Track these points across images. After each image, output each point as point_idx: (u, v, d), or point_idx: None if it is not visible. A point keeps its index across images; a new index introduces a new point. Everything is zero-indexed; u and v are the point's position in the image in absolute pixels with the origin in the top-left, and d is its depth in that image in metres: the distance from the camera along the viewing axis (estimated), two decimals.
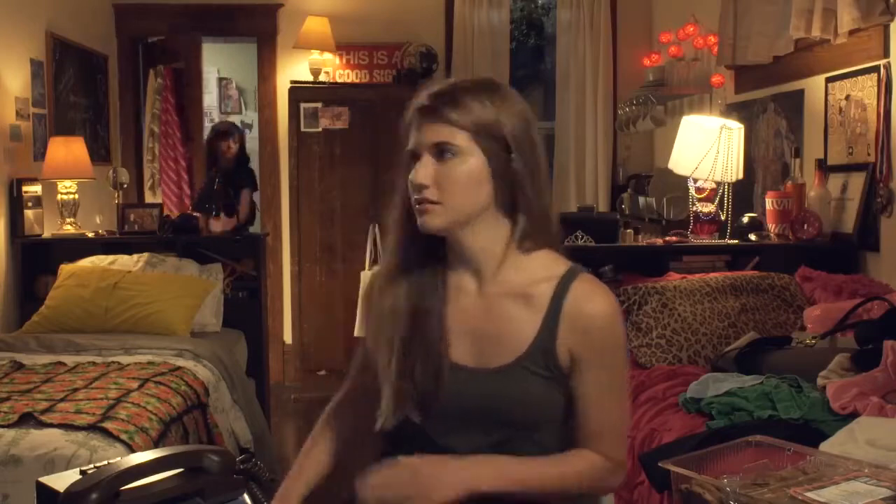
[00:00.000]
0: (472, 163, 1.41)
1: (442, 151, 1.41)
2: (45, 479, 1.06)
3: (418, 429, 1.47)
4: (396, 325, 1.48)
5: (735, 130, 3.49)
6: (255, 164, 7.35)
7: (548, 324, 1.44)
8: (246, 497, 1.12)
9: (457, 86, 1.45)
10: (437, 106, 1.42)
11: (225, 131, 4.71)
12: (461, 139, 1.41)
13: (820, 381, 2.32)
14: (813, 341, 2.66)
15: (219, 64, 7.83)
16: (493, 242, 1.46)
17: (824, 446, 1.85)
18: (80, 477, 1.04)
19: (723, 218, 3.54)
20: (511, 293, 1.46)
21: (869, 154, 3.26)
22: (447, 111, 1.41)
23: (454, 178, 1.41)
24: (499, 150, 1.42)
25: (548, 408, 1.47)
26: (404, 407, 1.46)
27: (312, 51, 5.56)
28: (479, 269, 1.48)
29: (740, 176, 3.54)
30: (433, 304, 1.48)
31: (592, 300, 1.44)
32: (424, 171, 1.42)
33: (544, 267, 1.47)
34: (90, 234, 4.61)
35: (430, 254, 1.50)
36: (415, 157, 1.44)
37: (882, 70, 3.16)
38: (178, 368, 3.39)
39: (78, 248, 4.45)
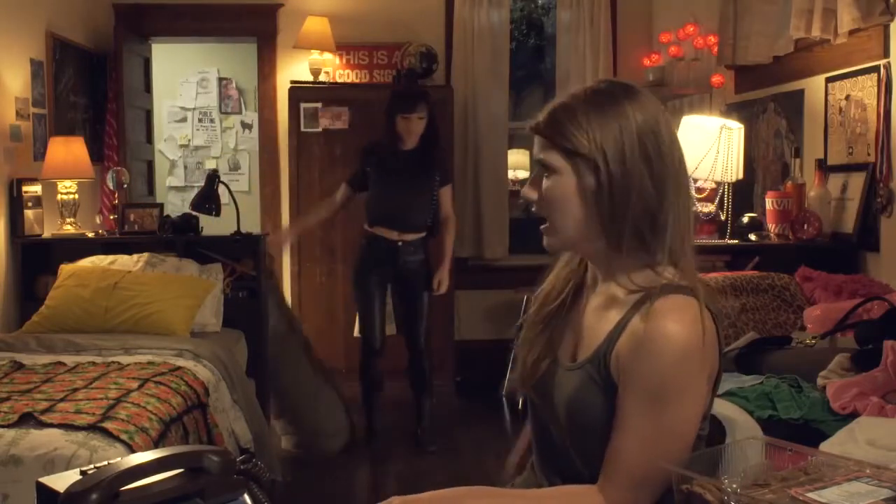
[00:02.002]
0: (564, 182, 1.39)
1: (544, 168, 1.42)
2: (45, 480, 1.06)
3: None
4: (542, 313, 1.53)
5: (735, 130, 3.49)
6: (254, 165, 7.40)
7: (614, 333, 1.38)
8: (246, 497, 1.11)
9: (570, 105, 1.41)
10: (547, 125, 1.42)
11: (409, 97, 4.36)
12: (555, 158, 1.40)
13: (820, 381, 2.32)
14: (813, 341, 2.66)
15: (219, 64, 7.83)
16: (602, 257, 1.43)
17: (824, 446, 1.86)
18: (80, 477, 1.04)
19: (723, 218, 3.55)
20: (608, 301, 1.43)
21: (869, 154, 3.26)
22: (544, 127, 1.42)
23: (551, 196, 1.41)
24: (593, 168, 1.36)
25: (600, 418, 1.38)
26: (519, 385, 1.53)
27: (312, 51, 5.56)
28: (595, 278, 1.49)
29: (740, 176, 3.54)
30: (570, 296, 1.52)
31: (662, 319, 1.31)
32: (530, 186, 1.45)
33: (647, 279, 1.38)
34: (90, 234, 4.61)
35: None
36: (541, 170, 1.45)
37: (882, 70, 3.16)
38: (178, 368, 3.39)
39: (78, 248, 4.45)
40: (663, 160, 1.37)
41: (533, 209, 1.44)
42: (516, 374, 1.55)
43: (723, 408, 1.85)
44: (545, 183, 1.41)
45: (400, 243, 4.35)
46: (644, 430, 1.33)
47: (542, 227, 1.45)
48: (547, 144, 1.41)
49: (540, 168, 1.43)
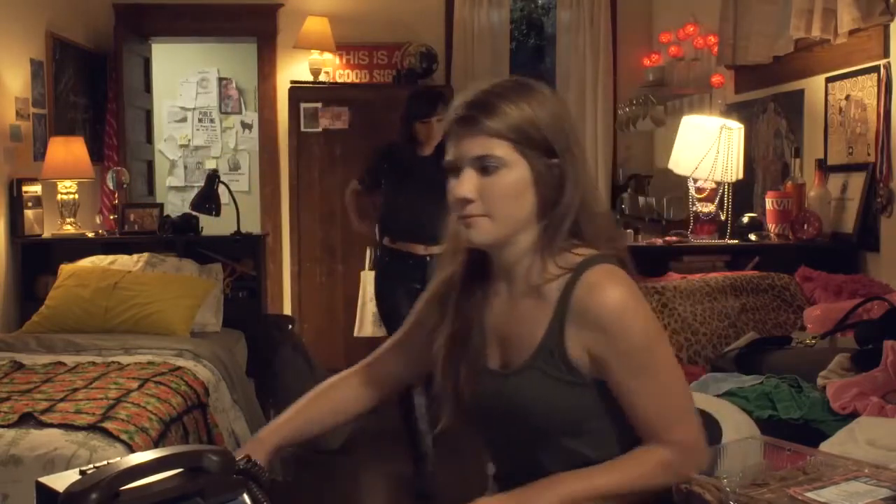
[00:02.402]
0: (516, 174, 1.38)
1: (484, 165, 1.37)
2: (45, 479, 1.06)
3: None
4: (444, 337, 1.49)
5: (735, 130, 3.49)
6: (254, 165, 7.40)
7: (555, 322, 1.39)
8: (246, 497, 1.12)
9: (491, 92, 1.40)
10: (475, 115, 1.38)
11: (428, 100, 4.01)
12: (503, 150, 1.37)
13: (820, 381, 2.32)
14: (813, 341, 2.66)
15: (219, 64, 7.83)
16: (530, 247, 1.42)
17: (824, 446, 1.85)
18: (80, 477, 1.04)
19: (723, 218, 3.55)
20: (528, 292, 1.43)
21: (869, 154, 3.26)
22: (485, 121, 1.37)
23: (500, 192, 1.37)
24: (541, 155, 1.38)
25: (570, 413, 1.40)
26: (451, 412, 1.49)
27: (312, 51, 5.56)
28: (511, 272, 1.45)
29: (740, 176, 3.54)
30: (475, 314, 1.48)
31: (600, 292, 1.36)
32: (468, 184, 1.38)
33: (563, 260, 1.40)
34: (90, 234, 4.61)
35: (476, 263, 1.49)
36: (455, 170, 1.40)
37: (882, 70, 3.16)
38: (178, 368, 3.39)
39: (78, 248, 4.45)
40: (580, 143, 1.45)
41: (465, 211, 1.38)
42: (448, 402, 1.50)
43: (720, 406, 1.85)
44: (489, 178, 1.37)
45: (428, 258, 3.86)
46: (653, 386, 1.38)
47: (467, 221, 1.39)
48: (490, 138, 1.37)
49: (472, 165, 1.38)
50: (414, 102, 4.02)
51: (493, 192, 1.37)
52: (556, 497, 1.34)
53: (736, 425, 1.77)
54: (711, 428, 1.61)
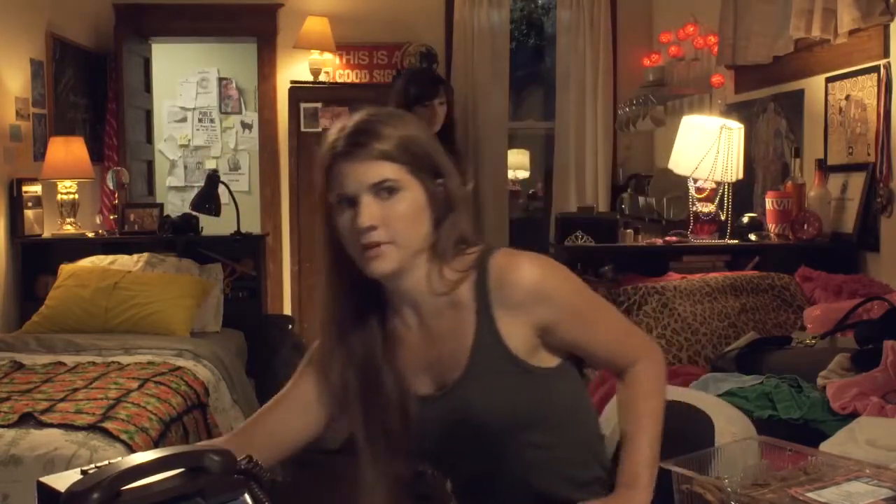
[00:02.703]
0: (412, 195, 1.37)
1: (381, 190, 1.35)
2: (45, 479, 1.06)
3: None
4: (352, 392, 1.44)
5: (735, 130, 3.49)
6: (254, 165, 7.40)
7: (482, 321, 1.40)
8: (247, 497, 1.12)
9: (368, 120, 1.40)
10: (361, 142, 1.36)
11: (426, 82, 3.75)
12: (397, 173, 1.36)
13: (820, 381, 2.32)
14: (813, 341, 2.66)
15: (219, 64, 7.83)
16: (425, 267, 1.41)
17: (824, 446, 1.86)
18: (81, 477, 1.04)
19: (723, 218, 3.54)
20: (440, 309, 1.42)
21: (869, 154, 3.26)
22: (374, 144, 1.36)
23: (402, 215, 1.36)
24: (430, 176, 1.40)
25: (524, 406, 1.42)
26: (385, 453, 1.45)
27: (312, 51, 5.56)
28: (415, 297, 1.43)
29: (740, 176, 3.54)
30: (381, 356, 1.44)
31: (515, 269, 1.39)
32: (369, 212, 1.34)
33: (460, 264, 1.41)
34: (90, 234, 4.61)
35: (368, 302, 1.44)
36: (351, 202, 1.36)
37: (882, 70, 3.16)
38: (178, 368, 3.39)
39: (78, 248, 4.45)
40: (444, 155, 1.46)
41: (371, 239, 1.35)
42: (377, 445, 1.45)
43: (712, 403, 1.84)
44: (389, 202, 1.35)
45: None
46: (605, 326, 1.48)
47: (372, 251, 1.35)
48: (383, 162, 1.35)
49: (370, 192, 1.35)
50: (413, 85, 3.71)
51: (395, 216, 1.35)
52: (648, 484, 1.39)
53: (728, 419, 1.77)
54: (704, 424, 1.63)
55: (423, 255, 1.40)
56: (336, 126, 1.43)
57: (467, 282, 1.40)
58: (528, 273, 1.39)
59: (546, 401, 1.44)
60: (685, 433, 1.54)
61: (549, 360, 1.45)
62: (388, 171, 1.36)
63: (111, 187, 5.00)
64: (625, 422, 1.46)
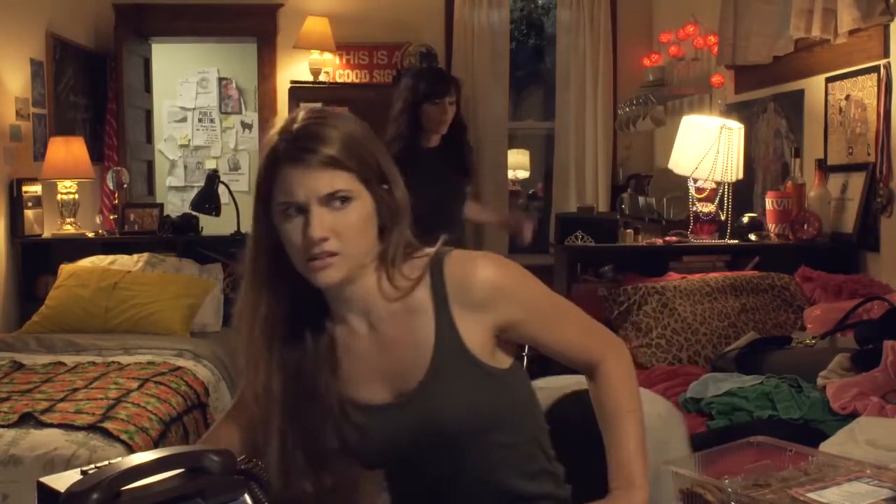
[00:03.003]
0: (361, 205, 1.34)
1: (333, 200, 1.31)
2: (45, 479, 1.06)
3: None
4: (275, 403, 1.38)
5: (735, 130, 3.49)
6: (254, 165, 7.38)
7: (441, 323, 1.38)
8: (247, 497, 1.11)
9: (316, 121, 1.35)
10: (313, 148, 1.31)
11: (438, 79, 3.57)
12: (348, 183, 1.32)
13: (820, 381, 2.32)
14: (813, 341, 2.66)
15: (219, 64, 7.83)
16: (374, 274, 1.39)
17: (824, 446, 1.85)
18: (81, 477, 1.04)
19: (723, 218, 3.54)
20: (393, 314, 1.39)
21: (869, 154, 3.26)
22: (325, 151, 1.31)
23: (352, 226, 1.32)
24: (377, 183, 1.36)
25: (484, 406, 1.41)
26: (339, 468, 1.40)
27: (312, 51, 5.56)
28: (365, 305, 1.40)
29: (740, 176, 3.54)
30: (317, 366, 1.39)
31: (474, 269, 1.38)
32: (320, 223, 1.30)
33: (411, 268, 1.39)
34: (90, 234, 4.61)
35: (304, 309, 1.40)
36: (299, 209, 1.31)
37: (882, 70, 3.16)
38: (178, 368, 3.39)
39: (78, 248, 4.45)
40: (387, 156, 1.42)
41: (321, 249, 1.31)
42: (323, 462, 1.39)
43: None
44: (339, 214, 1.32)
45: None
46: (569, 322, 1.46)
47: (320, 262, 1.31)
48: (333, 171, 1.31)
49: (320, 203, 1.31)
50: (423, 82, 3.52)
51: (346, 226, 1.32)
52: (644, 483, 1.37)
53: (650, 401, 1.77)
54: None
55: (372, 262, 1.38)
56: (277, 125, 1.36)
57: (422, 285, 1.38)
58: (488, 272, 1.38)
59: (507, 401, 1.44)
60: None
61: (505, 361, 1.45)
62: (339, 181, 1.31)
63: (111, 187, 5.01)
64: (605, 423, 1.43)
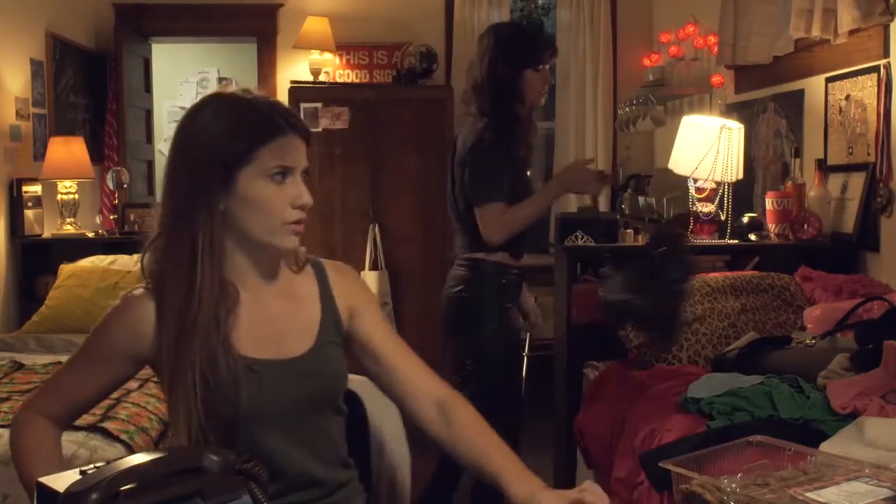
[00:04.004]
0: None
1: (304, 172, 1.50)
2: (44, 479, 1.06)
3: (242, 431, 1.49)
4: (191, 350, 1.44)
5: (735, 130, 3.49)
6: None
7: (325, 295, 1.59)
8: (246, 497, 1.12)
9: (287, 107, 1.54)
10: (303, 125, 1.49)
11: (543, 39, 3.01)
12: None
13: (820, 381, 2.32)
14: (813, 341, 2.66)
15: (219, 64, 7.83)
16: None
17: (824, 446, 1.85)
18: (80, 477, 1.04)
19: (723, 218, 3.54)
20: (292, 284, 1.58)
21: (869, 154, 3.26)
22: (309, 129, 1.51)
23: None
24: None
25: (345, 378, 1.61)
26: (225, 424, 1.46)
27: (312, 51, 5.56)
28: (277, 274, 1.57)
29: (740, 176, 3.54)
30: (222, 322, 1.48)
31: (344, 267, 1.67)
32: (307, 190, 1.49)
33: (286, 260, 1.59)
34: (90, 234, 4.61)
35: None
36: (284, 175, 1.46)
37: (882, 70, 3.16)
38: None
39: (78, 248, 4.45)
40: None
41: (303, 215, 1.49)
42: (218, 414, 1.45)
43: (362, 384, 1.83)
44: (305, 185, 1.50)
45: (518, 272, 3.09)
46: (398, 338, 1.65)
47: (299, 226, 1.49)
48: (305, 148, 1.49)
49: (303, 173, 1.50)
50: (525, 43, 2.92)
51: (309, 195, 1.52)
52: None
53: (376, 398, 1.82)
54: (354, 405, 1.76)
55: None
56: (253, 92, 1.50)
57: (304, 270, 1.60)
58: (353, 272, 1.70)
59: (346, 375, 1.61)
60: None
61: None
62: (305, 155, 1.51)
63: (111, 187, 5.01)
64: (481, 455, 1.48)
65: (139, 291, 1.52)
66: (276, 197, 1.44)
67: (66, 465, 1.56)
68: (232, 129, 1.43)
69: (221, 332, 1.45)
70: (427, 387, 1.57)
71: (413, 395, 1.57)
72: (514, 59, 2.86)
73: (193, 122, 1.47)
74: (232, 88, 1.50)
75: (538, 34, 3.12)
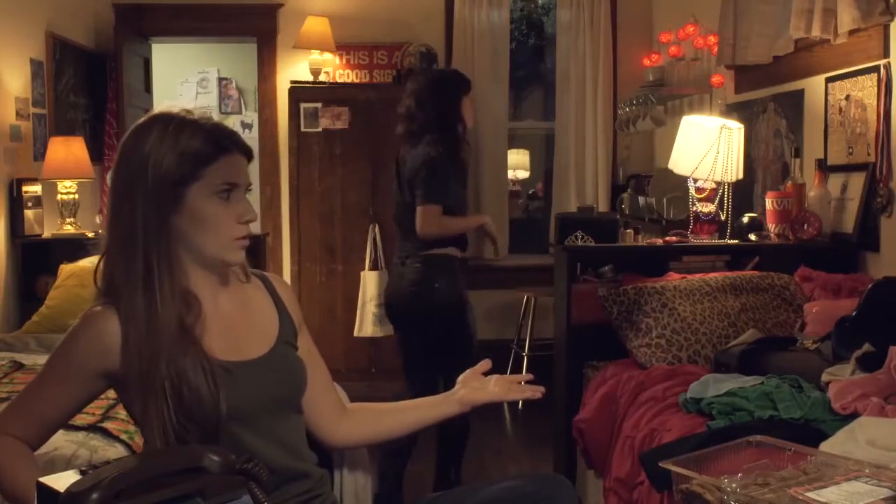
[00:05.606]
0: None
1: (248, 188, 1.58)
2: (45, 479, 1.06)
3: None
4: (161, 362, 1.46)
5: (735, 130, 3.49)
6: (255, 164, 7.39)
7: (278, 307, 1.68)
8: (246, 497, 1.12)
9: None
10: (246, 145, 1.56)
11: (461, 73, 3.63)
12: None
13: (825, 377, 2.32)
14: (815, 345, 2.66)
15: (219, 64, 7.83)
16: None
17: (824, 446, 1.85)
18: (80, 477, 1.04)
19: (723, 218, 3.54)
20: (243, 293, 1.65)
21: (869, 154, 3.26)
22: (250, 151, 1.58)
23: None
24: None
25: (304, 381, 1.67)
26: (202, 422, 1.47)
27: (312, 51, 5.56)
28: (229, 283, 1.63)
29: (740, 176, 3.54)
30: (194, 327, 1.52)
31: (285, 282, 1.79)
32: (252, 206, 1.57)
33: (235, 272, 1.66)
34: (90, 234, 4.61)
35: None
36: (232, 189, 1.52)
37: (882, 70, 3.16)
38: None
39: (78, 248, 4.45)
40: None
41: (249, 230, 1.56)
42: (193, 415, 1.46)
43: None
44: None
45: (463, 260, 3.63)
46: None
47: (245, 241, 1.56)
48: (247, 166, 1.57)
49: (246, 190, 1.57)
50: (457, 77, 3.54)
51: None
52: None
53: None
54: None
55: None
56: (195, 113, 1.55)
57: (253, 280, 1.68)
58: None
59: (305, 377, 1.67)
60: None
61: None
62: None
63: None
64: (394, 414, 1.80)
65: (99, 308, 1.51)
66: (223, 214, 1.51)
67: (55, 470, 1.52)
68: (182, 149, 1.48)
69: (192, 340, 1.49)
70: (334, 401, 1.77)
71: (320, 411, 1.73)
72: (456, 92, 3.45)
73: (141, 141, 1.50)
74: (177, 109, 1.55)
75: (457, 71, 3.73)
